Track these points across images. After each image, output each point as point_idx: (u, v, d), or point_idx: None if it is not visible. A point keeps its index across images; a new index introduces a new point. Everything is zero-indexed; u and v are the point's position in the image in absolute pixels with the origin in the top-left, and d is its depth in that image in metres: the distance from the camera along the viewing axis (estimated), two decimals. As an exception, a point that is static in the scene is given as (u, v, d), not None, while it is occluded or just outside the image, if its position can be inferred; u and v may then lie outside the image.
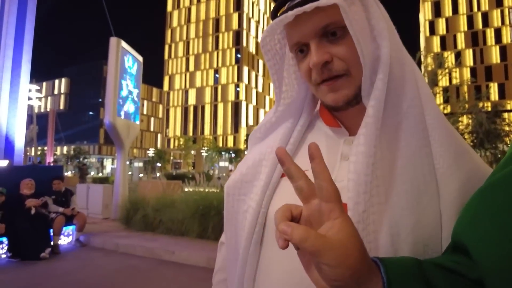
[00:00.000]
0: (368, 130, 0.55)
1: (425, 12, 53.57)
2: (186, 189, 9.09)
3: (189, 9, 57.55)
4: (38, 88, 24.77)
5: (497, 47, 48.57)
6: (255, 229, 0.61)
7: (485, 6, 49.56)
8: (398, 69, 0.59)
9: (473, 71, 48.86)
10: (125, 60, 9.11)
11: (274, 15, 0.61)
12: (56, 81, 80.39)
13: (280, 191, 0.62)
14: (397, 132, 0.57)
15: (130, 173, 27.00)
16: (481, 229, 0.36)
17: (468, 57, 49.92)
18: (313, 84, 0.60)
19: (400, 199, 0.53)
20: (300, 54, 0.60)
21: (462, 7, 50.90)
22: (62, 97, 78.56)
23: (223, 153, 46.39)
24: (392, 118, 0.58)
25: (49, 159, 23.21)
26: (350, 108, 0.60)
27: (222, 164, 45.40)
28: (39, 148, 44.84)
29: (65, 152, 61.63)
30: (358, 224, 0.51)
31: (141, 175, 34.45)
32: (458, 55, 49.87)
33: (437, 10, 52.61)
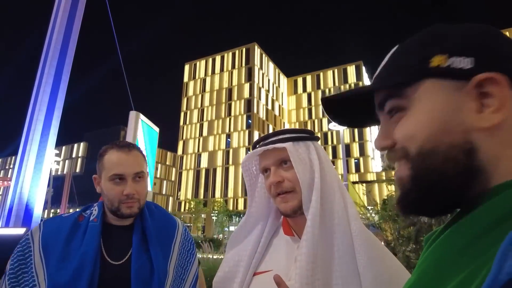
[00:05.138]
0: (308, 237, 0.76)
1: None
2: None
3: (204, 80, 61.96)
4: (58, 152, 26.04)
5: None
6: None
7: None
8: (329, 193, 0.83)
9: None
10: (143, 132, 9.85)
11: (253, 147, 0.92)
12: (75, 145, 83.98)
13: (252, 287, 0.85)
14: (332, 240, 0.79)
15: (139, 238, 26.45)
16: None
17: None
18: (272, 196, 0.87)
19: None
20: (265, 174, 0.89)
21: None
22: (79, 160, 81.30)
23: (233, 216, 45.67)
24: (327, 229, 0.80)
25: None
26: (298, 216, 0.84)
27: (232, 228, 44.39)
28: (52, 211, 45.16)
29: (76, 215, 61.55)
30: None
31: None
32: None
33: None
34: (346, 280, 0.74)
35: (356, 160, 57.33)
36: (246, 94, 56.53)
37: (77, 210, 1.24)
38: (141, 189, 1.16)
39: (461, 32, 0.40)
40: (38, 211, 7.75)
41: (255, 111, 55.37)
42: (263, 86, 58.90)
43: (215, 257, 7.81)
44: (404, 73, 0.42)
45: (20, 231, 6.74)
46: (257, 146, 0.90)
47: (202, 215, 48.02)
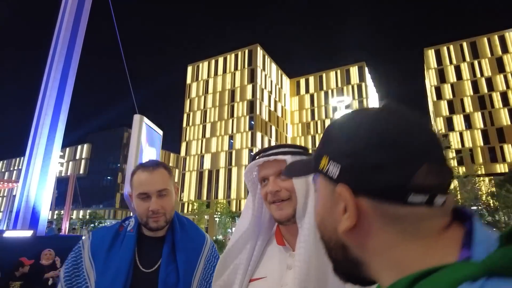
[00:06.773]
0: (306, 244, 0.83)
1: (430, 79, 55.97)
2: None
3: (207, 82, 62.14)
4: (61, 154, 26.20)
5: (505, 109, 49.17)
6: None
7: (487, 72, 51.55)
8: None
9: (484, 133, 48.98)
10: (147, 135, 9.96)
11: (253, 158, 1.01)
12: (79, 147, 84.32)
13: None
14: None
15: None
16: None
17: (478, 120, 50.41)
18: (268, 203, 0.95)
19: None
20: (263, 183, 0.97)
21: (465, 74, 53.06)
22: (83, 162, 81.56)
23: (236, 217, 45.72)
24: None
25: (65, 224, 23.45)
26: (291, 224, 0.91)
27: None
28: (56, 212, 45.40)
29: (81, 216, 62.07)
30: None
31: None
32: (467, 118, 50.37)
33: (441, 77, 54.89)
34: None
35: (359, 161, 57.05)
36: (248, 95, 56.60)
37: (118, 221, 1.39)
38: (167, 204, 1.28)
39: (344, 136, 0.41)
40: (44, 213, 7.87)
41: (257, 112, 55.44)
42: (265, 88, 58.94)
43: (218, 258, 7.86)
44: (307, 167, 0.49)
45: (27, 233, 6.86)
46: (257, 157, 1.00)
47: (205, 217, 48.11)
